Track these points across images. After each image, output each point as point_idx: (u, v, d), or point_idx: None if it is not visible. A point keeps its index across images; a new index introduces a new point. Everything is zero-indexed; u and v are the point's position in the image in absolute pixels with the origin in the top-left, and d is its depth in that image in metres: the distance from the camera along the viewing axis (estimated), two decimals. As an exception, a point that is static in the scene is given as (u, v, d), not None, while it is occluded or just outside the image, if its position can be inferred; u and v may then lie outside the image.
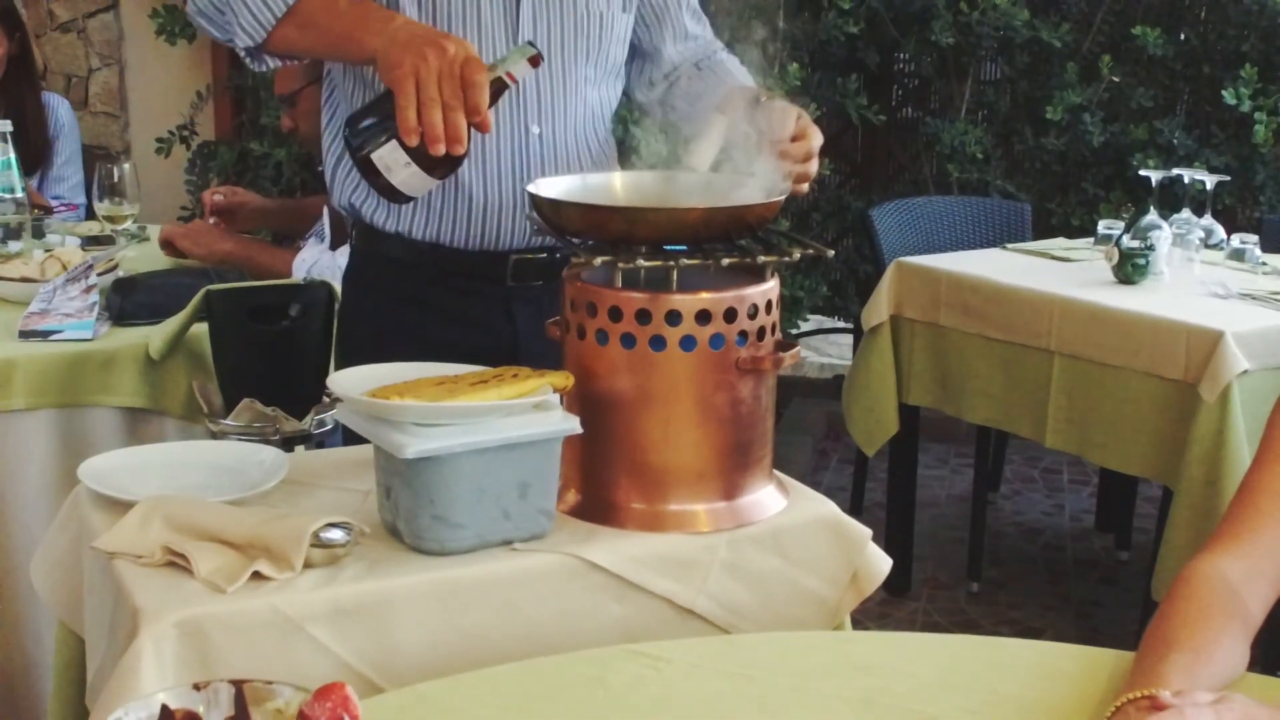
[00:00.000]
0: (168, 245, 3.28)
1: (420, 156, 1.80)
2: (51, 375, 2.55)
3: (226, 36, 2.02)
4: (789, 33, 4.72)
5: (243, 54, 2.03)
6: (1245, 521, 1.56)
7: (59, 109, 4.23)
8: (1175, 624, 1.42)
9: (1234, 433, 3.00)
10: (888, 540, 3.72)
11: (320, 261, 3.03)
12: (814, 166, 2.03)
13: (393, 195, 1.88)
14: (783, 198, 1.81)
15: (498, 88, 1.81)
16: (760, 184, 1.84)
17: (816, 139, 2.06)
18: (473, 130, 1.81)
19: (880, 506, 4.17)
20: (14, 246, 3.16)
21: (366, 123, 1.85)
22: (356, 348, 2.30)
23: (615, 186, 1.93)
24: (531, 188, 1.83)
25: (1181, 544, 3.07)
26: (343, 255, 2.61)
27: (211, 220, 3.38)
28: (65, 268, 2.87)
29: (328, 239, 3.14)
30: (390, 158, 1.81)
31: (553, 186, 1.86)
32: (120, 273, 2.95)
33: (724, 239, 1.77)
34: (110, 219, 3.28)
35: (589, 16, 2.20)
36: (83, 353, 2.59)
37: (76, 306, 2.67)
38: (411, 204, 2.16)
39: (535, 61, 1.84)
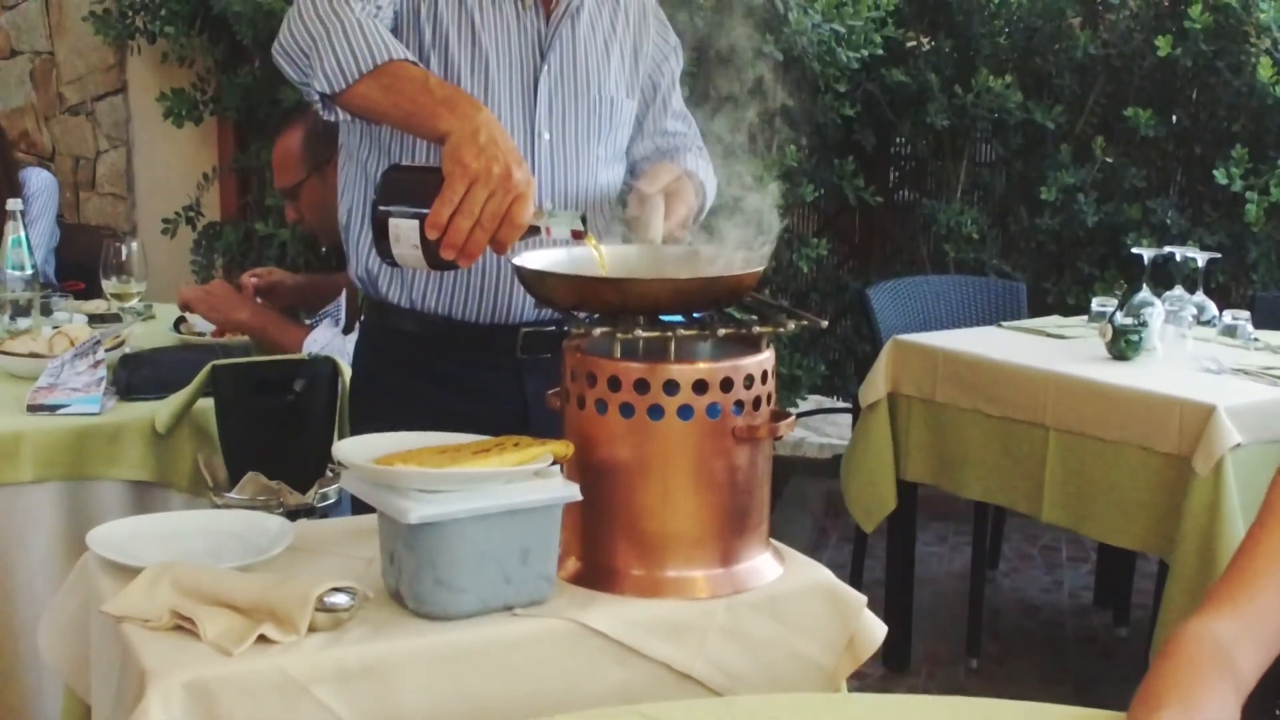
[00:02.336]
0: (186, 307, 3.33)
1: (429, 247, 1.82)
2: (59, 448, 2.59)
3: (304, 80, 2.02)
4: (786, 115, 4.79)
5: (315, 99, 2.03)
6: (1240, 583, 1.58)
7: (31, 179, 4.29)
8: (1166, 682, 1.44)
9: (1228, 506, 3.02)
10: (887, 616, 3.70)
11: (331, 344, 3.05)
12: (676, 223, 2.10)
13: (384, 257, 1.90)
14: (761, 267, 1.85)
15: (532, 233, 1.85)
16: (739, 254, 1.88)
17: (681, 205, 2.13)
18: (536, 240, 1.88)
19: (880, 584, 4.18)
20: (23, 323, 3.21)
21: (405, 188, 1.86)
22: (369, 418, 2.32)
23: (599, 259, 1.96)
24: (518, 260, 1.87)
25: (1177, 617, 3.08)
26: (354, 340, 2.65)
27: (257, 301, 3.41)
28: (73, 344, 2.91)
29: (342, 321, 3.18)
30: (404, 231, 1.84)
31: (538, 259, 1.90)
32: (127, 349, 3.00)
33: (710, 307, 1.81)
34: (117, 297, 3.32)
35: (601, 100, 2.29)
36: (90, 426, 2.63)
37: (84, 381, 2.71)
38: (425, 278, 2.24)
39: (578, 235, 1.87)
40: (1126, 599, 4.41)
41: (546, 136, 2.24)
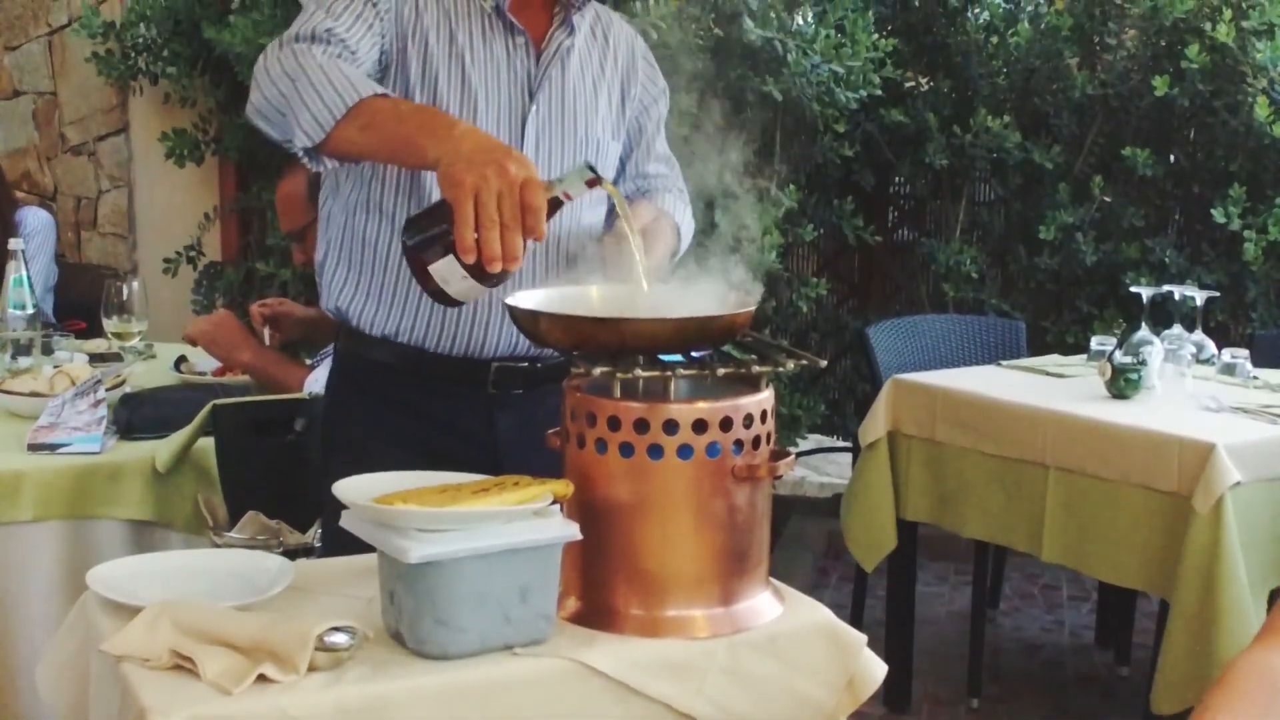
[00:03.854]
0: (192, 342, 3.34)
1: (476, 270, 1.79)
2: (59, 487, 2.59)
3: (285, 137, 2.02)
4: (786, 155, 4.81)
5: (301, 154, 2.02)
6: None
7: (28, 219, 4.31)
8: (1217, 714, 1.44)
9: (1228, 544, 3.02)
10: (888, 656, 3.70)
11: None
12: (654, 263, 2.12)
13: (448, 302, 1.90)
14: (754, 305, 1.86)
15: (554, 206, 1.83)
16: (730, 292, 1.89)
17: (659, 244, 2.19)
18: (561, 209, 1.87)
19: (880, 623, 4.17)
20: (24, 362, 3.21)
21: (425, 234, 1.85)
22: (338, 447, 2.33)
23: (591, 298, 1.96)
24: (510, 300, 1.88)
25: (1178, 655, 3.08)
26: None
27: (266, 331, 3.41)
28: (73, 383, 2.92)
29: None
30: (447, 271, 1.83)
31: (530, 299, 1.91)
32: (128, 388, 3.01)
33: (706, 346, 1.82)
34: (118, 336, 3.33)
35: (588, 141, 2.30)
36: (90, 466, 2.64)
37: (85, 420, 2.71)
38: (400, 308, 2.22)
39: (593, 184, 1.86)
40: (1128, 638, 4.40)
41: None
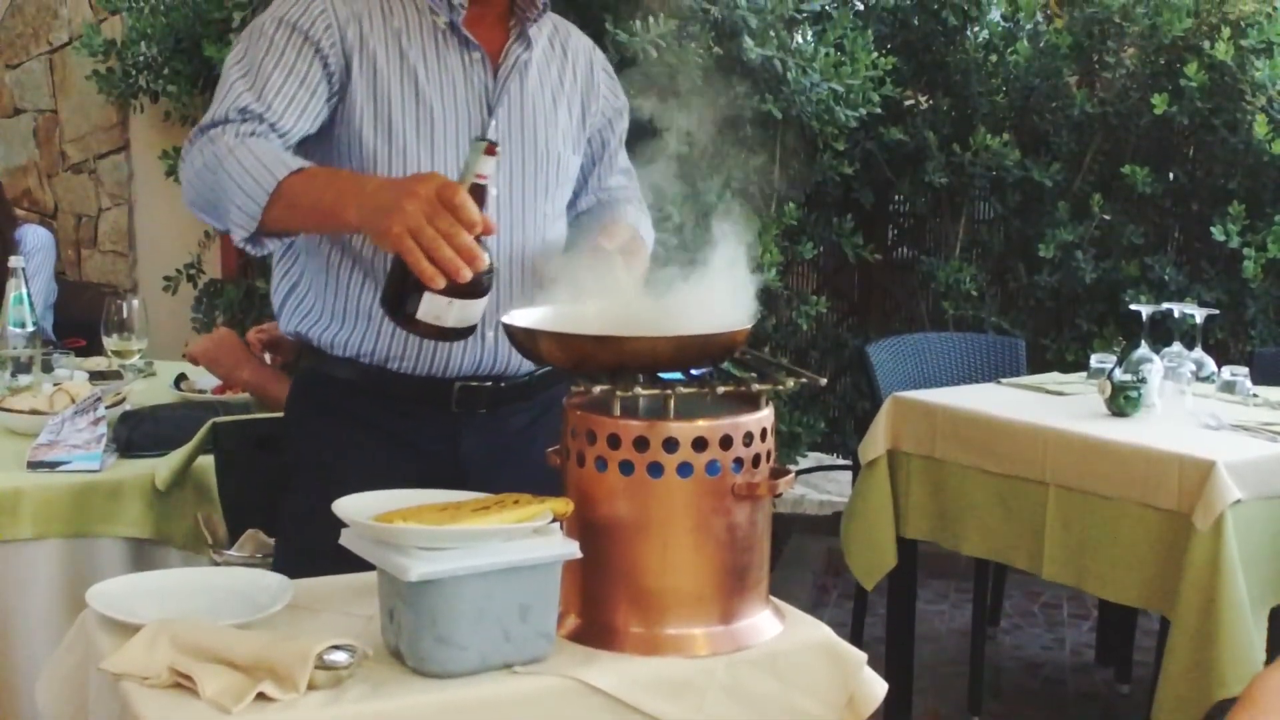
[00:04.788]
0: (194, 361, 3.34)
1: (455, 291, 1.82)
2: (59, 505, 2.59)
3: (224, 227, 2.04)
4: (785, 173, 4.82)
5: (240, 244, 2.05)
6: None
7: (28, 237, 4.31)
8: None
9: (1228, 561, 3.02)
10: (888, 674, 3.70)
11: None
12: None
13: (459, 335, 1.91)
14: (752, 322, 1.86)
15: (478, 193, 1.84)
16: (727, 309, 1.88)
17: (636, 262, 2.19)
18: (486, 190, 1.86)
19: (880, 641, 4.16)
20: (24, 379, 3.22)
21: (396, 293, 1.88)
22: (300, 468, 2.31)
23: (588, 315, 1.94)
24: (506, 319, 1.89)
25: (1179, 673, 3.07)
26: None
27: (266, 356, 3.41)
28: (73, 400, 2.92)
29: None
30: (432, 308, 1.85)
31: (527, 317, 1.92)
32: (128, 405, 3.01)
33: (706, 363, 1.82)
34: (118, 354, 3.33)
35: (549, 156, 2.28)
36: (90, 483, 2.64)
37: (84, 438, 2.71)
38: (363, 329, 2.20)
39: (491, 150, 1.86)
40: (1128, 656, 4.40)
41: (494, 193, 2.16)
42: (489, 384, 2.25)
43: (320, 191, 1.95)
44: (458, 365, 2.21)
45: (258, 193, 1.95)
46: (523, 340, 1.87)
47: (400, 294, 1.86)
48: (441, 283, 1.78)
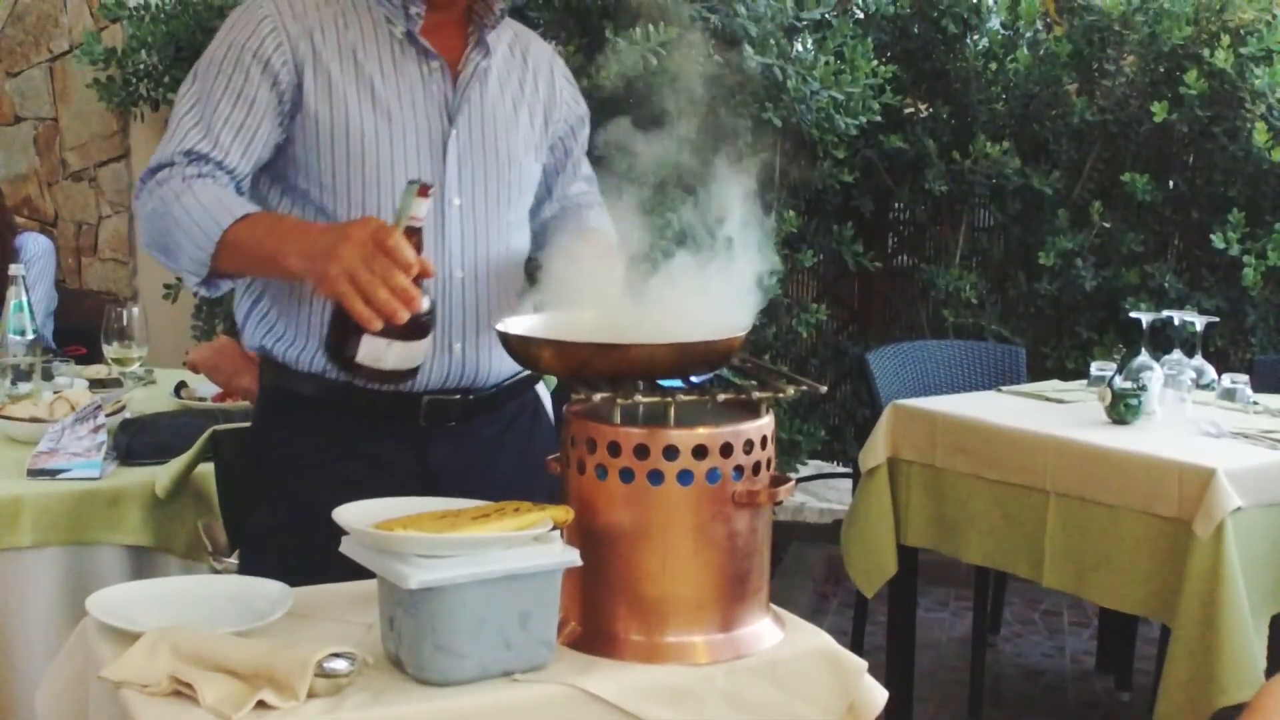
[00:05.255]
0: (194, 369, 3.34)
1: (394, 333, 1.84)
2: (58, 513, 2.59)
3: (180, 272, 2.08)
4: (785, 181, 4.83)
5: (195, 289, 2.09)
6: None
7: (28, 244, 4.32)
8: None
9: (1229, 569, 3.02)
10: (888, 682, 3.71)
11: None
12: None
13: (401, 378, 1.93)
14: (750, 326, 1.86)
15: (413, 236, 1.85)
16: (722, 315, 1.87)
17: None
18: (422, 232, 1.87)
19: (881, 649, 4.16)
20: (24, 387, 3.22)
21: (336, 337, 1.89)
22: (265, 484, 2.28)
23: (584, 322, 1.93)
24: (500, 326, 1.90)
25: (1180, 680, 3.07)
26: None
27: None
28: (73, 408, 2.92)
29: None
30: (371, 350, 1.86)
31: (520, 324, 1.92)
32: (128, 413, 3.00)
33: (706, 369, 1.82)
34: (118, 361, 3.33)
35: (510, 164, 2.26)
36: (90, 491, 2.63)
37: (84, 446, 2.71)
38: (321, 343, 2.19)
39: (424, 192, 1.86)
40: (1129, 664, 4.40)
41: (457, 202, 2.19)
42: (457, 396, 2.22)
43: (262, 239, 1.98)
44: (425, 379, 2.17)
45: (205, 242, 1.99)
46: (517, 347, 1.88)
47: (340, 338, 1.88)
48: (379, 325, 1.81)
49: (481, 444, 2.26)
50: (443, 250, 2.17)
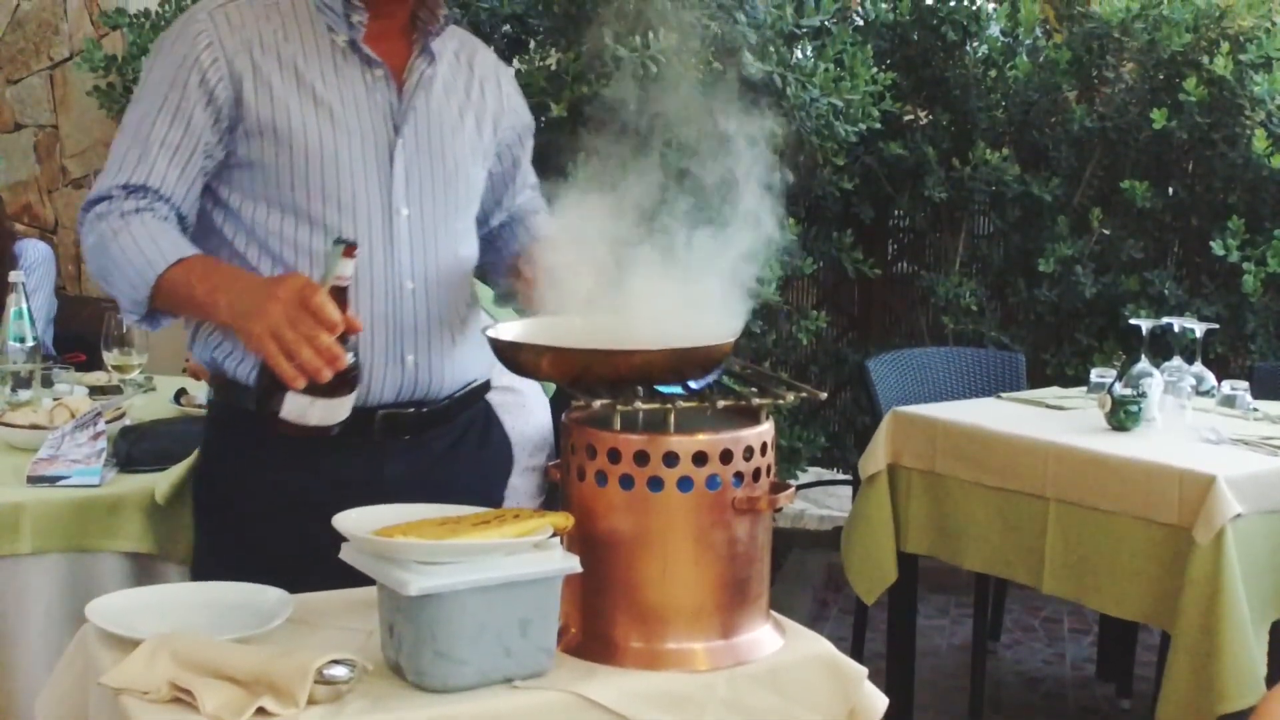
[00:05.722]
0: (195, 375, 3.34)
1: (317, 390, 1.85)
2: (58, 520, 2.58)
3: (120, 306, 2.09)
4: (785, 188, 4.82)
5: (135, 325, 2.12)
6: None
7: (28, 251, 4.32)
8: None
9: (1229, 576, 3.02)
10: (888, 689, 3.70)
11: None
12: None
13: (325, 433, 1.92)
14: (736, 336, 1.86)
15: (339, 296, 1.85)
16: (711, 321, 1.87)
17: None
18: (348, 291, 1.86)
19: (881, 656, 4.16)
20: (24, 394, 3.22)
21: (262, 392, 1.90)
22: (216, 507, 2.26)
23: (573, 328, 1.93)
24: (492, 332, 1.90)
25: (1180, 687, 3.07)
26: None
27: None
28: (73, 415, 2.92)
29: None
30: (295, 407, 1.87)
31: (509, 330, 1.93)
32: (127, 420, 3.00)
33: (695, 375, 1.82)
34: (118, 369, 3.33)
35: (458, 172, 2.24)
36: (89, 498, 2.63)
37: (84, 453, 2.71)
38: None
39: (349, 252, 1.86)
40: (1129, 671, 4.39)
41: (405, 212, 2.17)
42: (411, 410, 2.20)
43: (194, 286, 1.99)
44: (379, 393, 2.16)
45: (140, 284, 2.01)
46: (506, 351, 1.88)
47: (266, 393, 1.89)
48: (302, 383, 1.82)
49: (434, 457, 2.24)
50: (392, 261, 2.15)
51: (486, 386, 2.38)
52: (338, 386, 1.86)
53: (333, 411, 1.90)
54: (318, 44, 2.14)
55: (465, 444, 2.30)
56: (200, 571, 2.25)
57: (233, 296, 1.93)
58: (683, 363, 1.81)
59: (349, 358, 1.84)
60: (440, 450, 2.26)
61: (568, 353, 1.81)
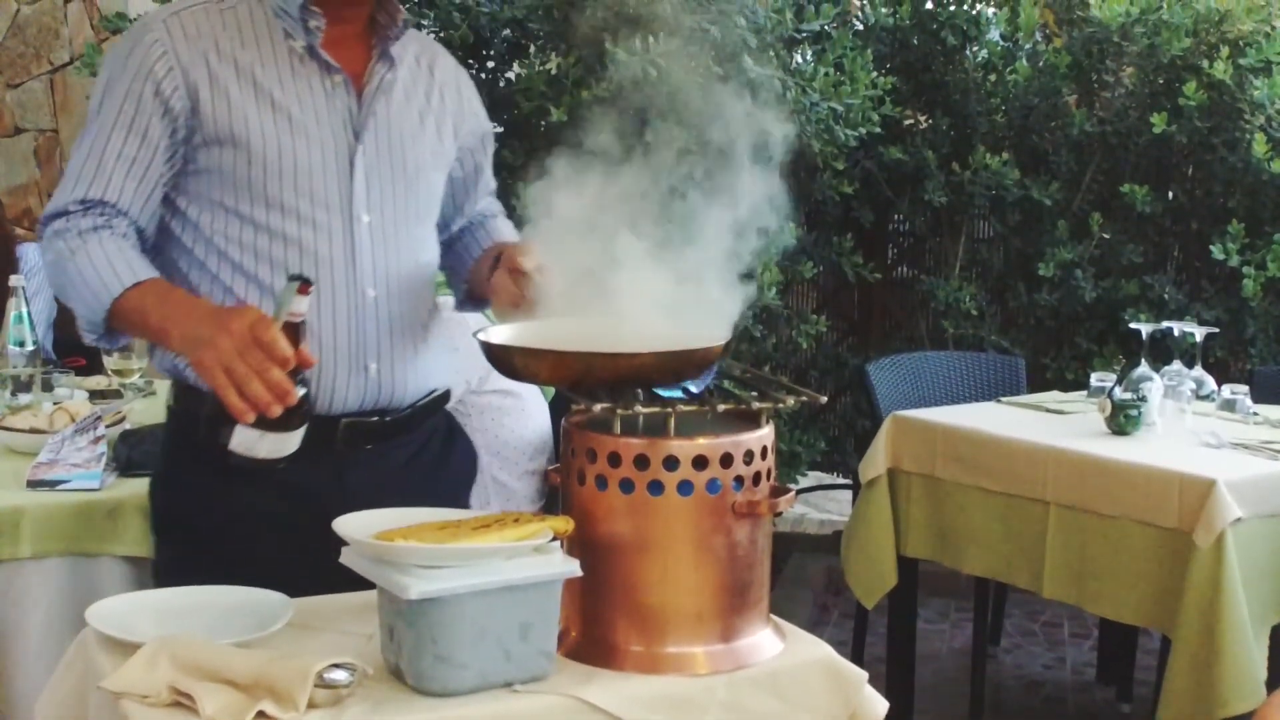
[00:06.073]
0: None
1: (267, 424, 1.85)
2: (58, 524, 2.58)
3: (79, 323, 2.09)
4: (785, 192, 4.82)
5: (93, 343, 2.10)
6: None
7: (29, 255, 4.32)
8: None
9: (1229, 580, 3.01)
10: (889, 693, 3.70)
11: None
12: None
13: (273, 465, 1.91)
14: (728, 337, 1.85)
15: (292, 331, 1.85)
16: (700, 324, 1.86)
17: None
18: (301, 326, 1.86)
19: (881, 660, 4.16)
20: (24, 398, 3.22)
21: (211, 423, 1.89)
22: (174, 521, 2.23)
23: (564, 330, 1.92)
24: (482, 336, 1.89)
25: (1180, 691, 3.07)
26: None
27: None
28: (73, 419, 2.92)
29: None
30: (245, 440, 1.86)
31: (501, 334, 1.93)
32: (127, 425, 3.00)
33: (691, 375, 1.82)
34: (118, 373, 3.33)
35: (418, 177, 2.22)
36: (89, 502, 2.63)
37: (84, 457, 2.71)
38: None
39: (304, 289, 1.86)
40: (1129, 675, 4.39)
41: (366, 219, 2.15)
42: (374, 419, 2.19)
43: (149, 312, 1.98)
44: (342, 402, 2.15)
45: (96, 306, 2.00)
46: (498, 354, 1.88)
47: (215, 424, 1.88)
48: (251, 418, 1.82)
49: (396, 466, 2.22)
50: (354, 269, 2.14)
51: (447, 396, 2.37)
52: (288, 420, 1.86)
53: (281, 445, 1.89)
54: (275, 50, 2.12)
55: (427, 454, 2.28)
56: (165, 581, 2.19)
57: (185, 325, 1.92)
58: (679, 364, 1.80)
59: (299, 392, 1.83)
60: (402, 460, 2.24)
61: (566, 356, 1.81)
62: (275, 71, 2.10)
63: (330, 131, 2.13)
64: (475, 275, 2.35)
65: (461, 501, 2.40)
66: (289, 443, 1.90)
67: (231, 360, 1.80)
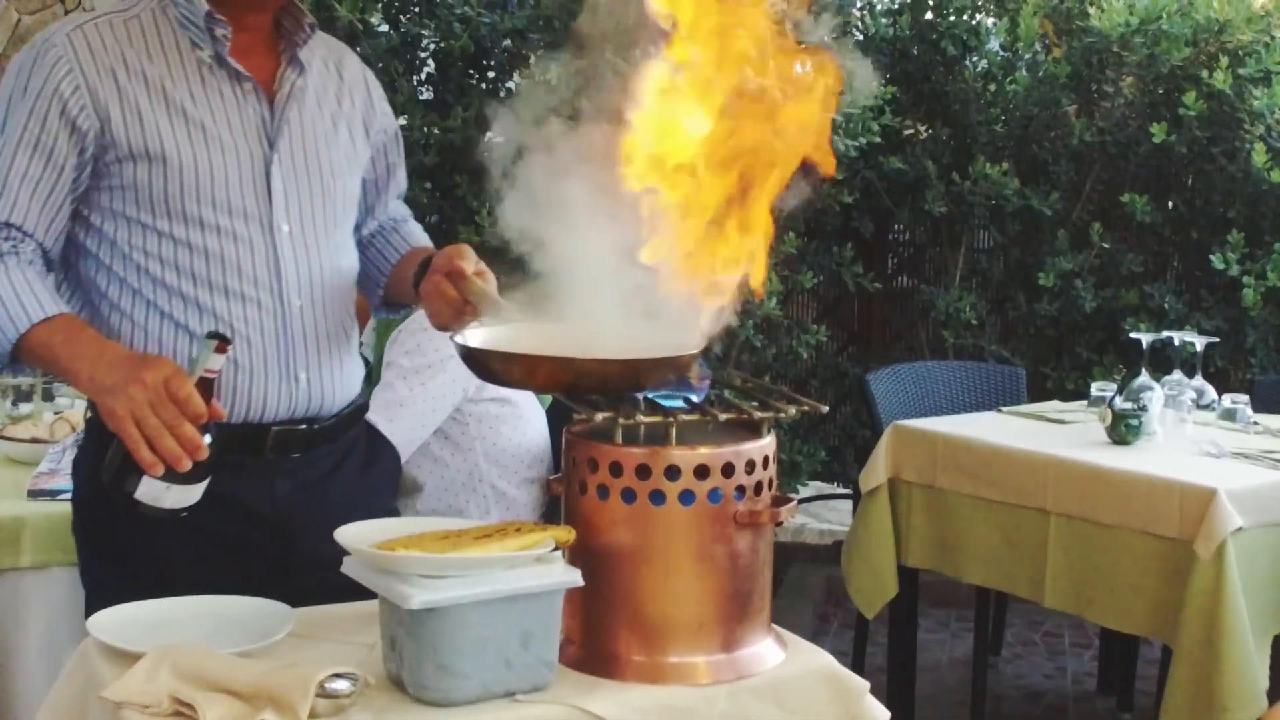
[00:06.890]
0: None
1: (174, 477, 1.85)
2: (59, 534, 2.58)
3: None
4: (784, 201, 4.83)
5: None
6: None
7: None
8: None
9: (1230, 590, 3.01)
10: (889, 703, 3.68)
11: None
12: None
13: (177, 515, 1.90)
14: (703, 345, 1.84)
15: (205, 387, 1.85)
16: (674, 330, 1.85)
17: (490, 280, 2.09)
18: (215, 381, 1.86)
19: (881, 670, 4.15)
20: (25, 408, 3.22)
21: (116, 470, 1.88)
22: (98, 521, 2.14)
23: (541, 336, 1.90)
24: (459, 339, 1.89)
25: (1181, 702, 3.07)
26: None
27: None
28: (74, 429, 2.92)
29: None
30: (151, 491, 1.86)
31: (477, 337, 1.93)
32: (129, 434, 3.00)
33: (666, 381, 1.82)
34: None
35: (335, 182, 2.20)
36: (91, 512, 2.62)
37: (85, 467, 2.70)
38: None
39: (222, 348, 1.86)
40: (1130, 685, 4.38)
41: (286, 229, 2.12)
42: (303, 427, 2.17)
43: (57, 351, 1.95)
44: (273, 410, 2.13)
45: (1, 340, 1.96)
46: (479, 360, 1.87)
47: (122, 473, 1.87)
48: (160, 470, 1.82)
49: (318, 476, 2.21)
50: (279, 280, 2.11)
51: (365, 408, 2.37)
52: (195, 473, 1.86)
53: (186, 495, 1.89)
54: (183, 61, 2.08)
55: (350, 462, 2.27)
56: (92, 595, 2.14)
57: (94, 369, 1.89)
58: (658, 370, 1.79)
59: (207, 441, 1.83)
60: (326, 468, 2.22)
61: (564, 361, 1.81)
62: (185, 83, 2.07)
63: (245, 141, 2.10)
64: (396, 280, 2.34)
65: (389, 501, 2.41)
66: (194, 493, 1.89)
67: (144, 412, 1.80)
